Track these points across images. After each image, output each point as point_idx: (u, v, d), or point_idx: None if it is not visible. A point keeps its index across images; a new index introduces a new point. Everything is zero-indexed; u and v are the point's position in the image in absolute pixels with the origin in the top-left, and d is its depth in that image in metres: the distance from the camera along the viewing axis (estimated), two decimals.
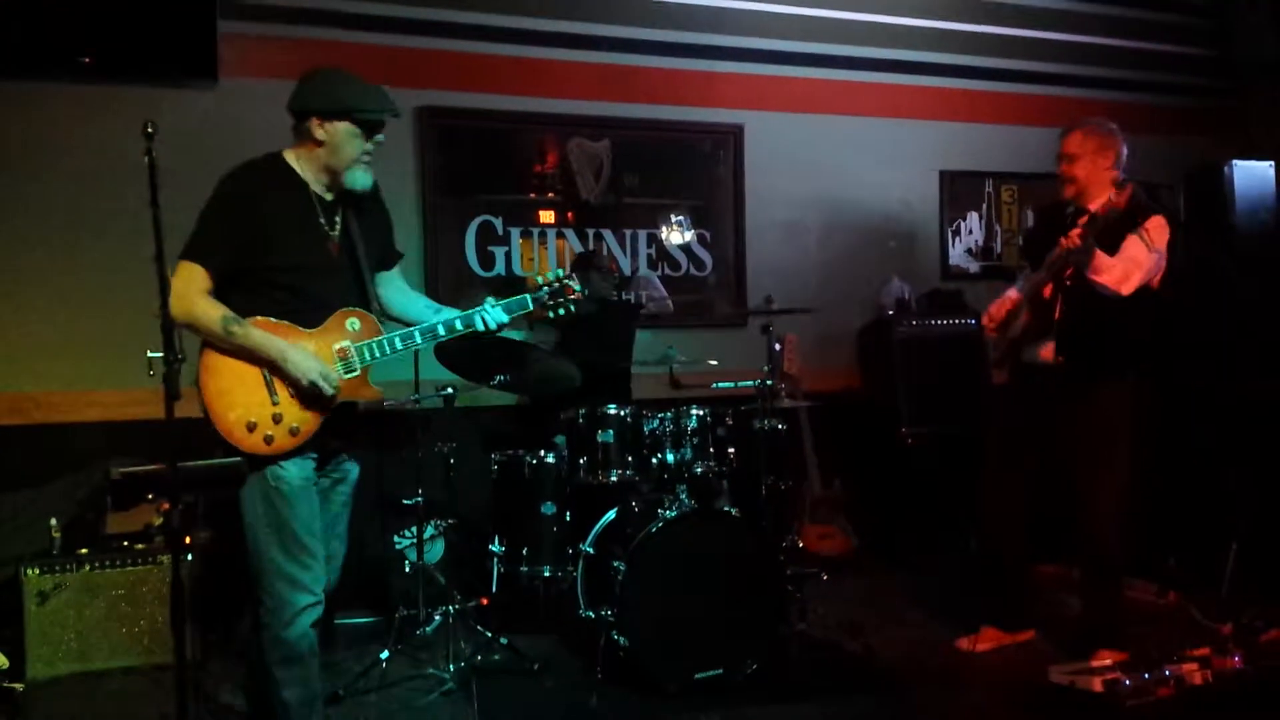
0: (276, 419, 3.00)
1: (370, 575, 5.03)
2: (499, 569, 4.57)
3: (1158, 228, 4.04)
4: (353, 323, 3.13)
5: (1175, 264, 4.25)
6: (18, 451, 4.83)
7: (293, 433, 3.02)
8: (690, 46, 6.02)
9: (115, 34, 4.81)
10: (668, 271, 6.05)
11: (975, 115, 6.67)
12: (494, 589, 4.59)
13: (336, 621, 4.74)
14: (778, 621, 4.23)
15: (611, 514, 4.42)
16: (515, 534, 4.53)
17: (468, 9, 5.59)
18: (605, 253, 5.84)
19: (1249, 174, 5.42)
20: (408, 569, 4.70)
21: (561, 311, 3.33)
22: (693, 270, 6.11)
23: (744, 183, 6.16)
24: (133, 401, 4.69)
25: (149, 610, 4.37)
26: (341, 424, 3.14)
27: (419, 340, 3.20)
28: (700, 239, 6.13)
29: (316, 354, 3.04)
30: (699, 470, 4.44)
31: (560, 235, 5.83)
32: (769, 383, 4.79)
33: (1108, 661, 3.93)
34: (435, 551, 4.90)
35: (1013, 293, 4.42)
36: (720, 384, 5.24)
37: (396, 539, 4.97)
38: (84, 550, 4.39)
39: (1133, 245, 4.00)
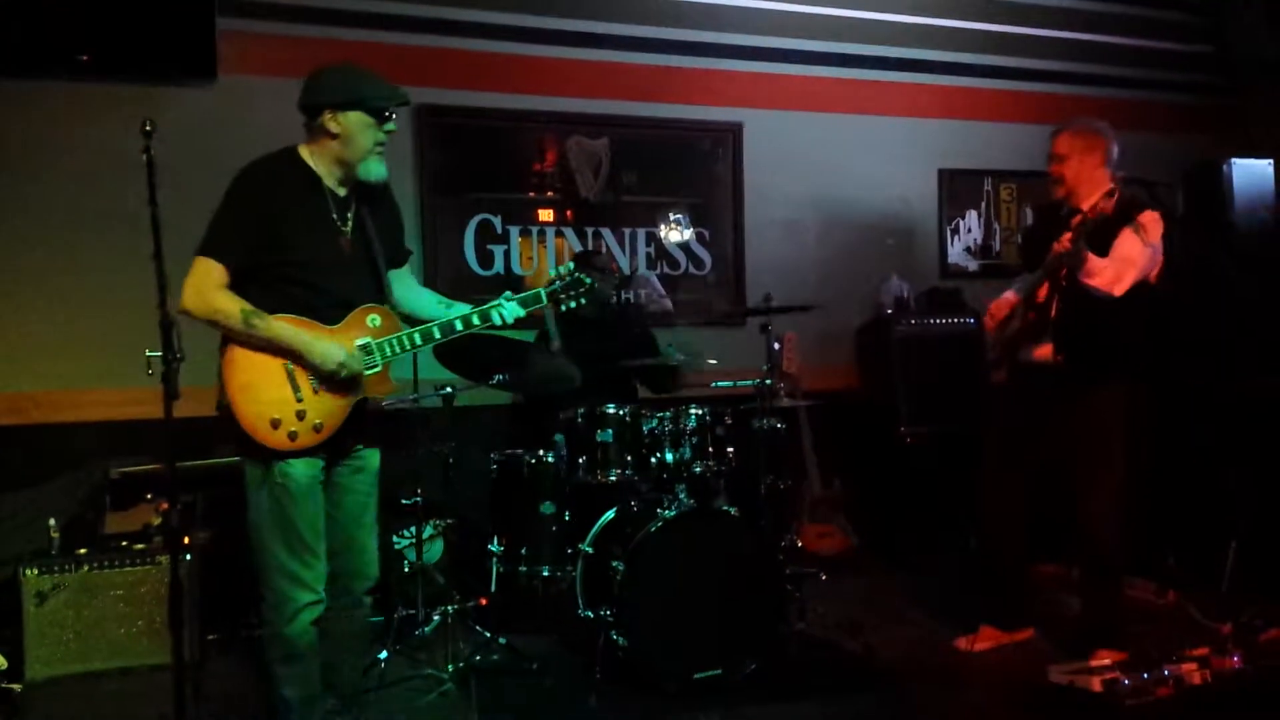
0: (300, 415, 3.02)
1: None
2: (498, 569, 4.56)
3: (1152, 222, 4.03)
4: (373, 319, 3.16)
5: (1173, 260, 4.25)
6: (16, 451, 4.84)
7: (316, 429, 3.05)
8: (689, 44, 6.02)
9: (113, 32, 4.80)
10: (666, 270, 6.05)
11: (974, 113, 6.67)
12: (493, 589, 4.58)
13: None
14: (777, 621, 4.22)
15: (610, 513, 4.41)
16: (514, 534, 4.53)
17: (466, 6, 5.58)
18: (604, 251, 5.84)
19: (1248, 172, 5.42)
20: (406, 569, 4.70)
21: (574, 305, 3.37)
22: (692, 269, 6.11)
23: (743, 181, 6.16)
24: (132, 401, 4.67)
25: (148, 610, 4.35)
26: (355, 420, 3.16)
27: (438, 335, 3.22)
28: (699, 237, 6.12)
29: (340, 346, 3.06)
30: (698, 470, 4.43)
31: (559, 234, 5.83)
32: (768, 382, 4.78)
33: (1107, 661, 3.93)
34: (434, 551, 4.89)
35: (1011, 294, 4.42)
36: (719, 383, 5.24)
37: (395, 539, 4.96)
38: (83, 550, 4.37)
39: (1127, 242, 4.00)
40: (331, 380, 3.04)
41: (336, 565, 3.25)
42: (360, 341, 3.11)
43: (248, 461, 3.08)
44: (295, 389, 3.02)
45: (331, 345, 3.03)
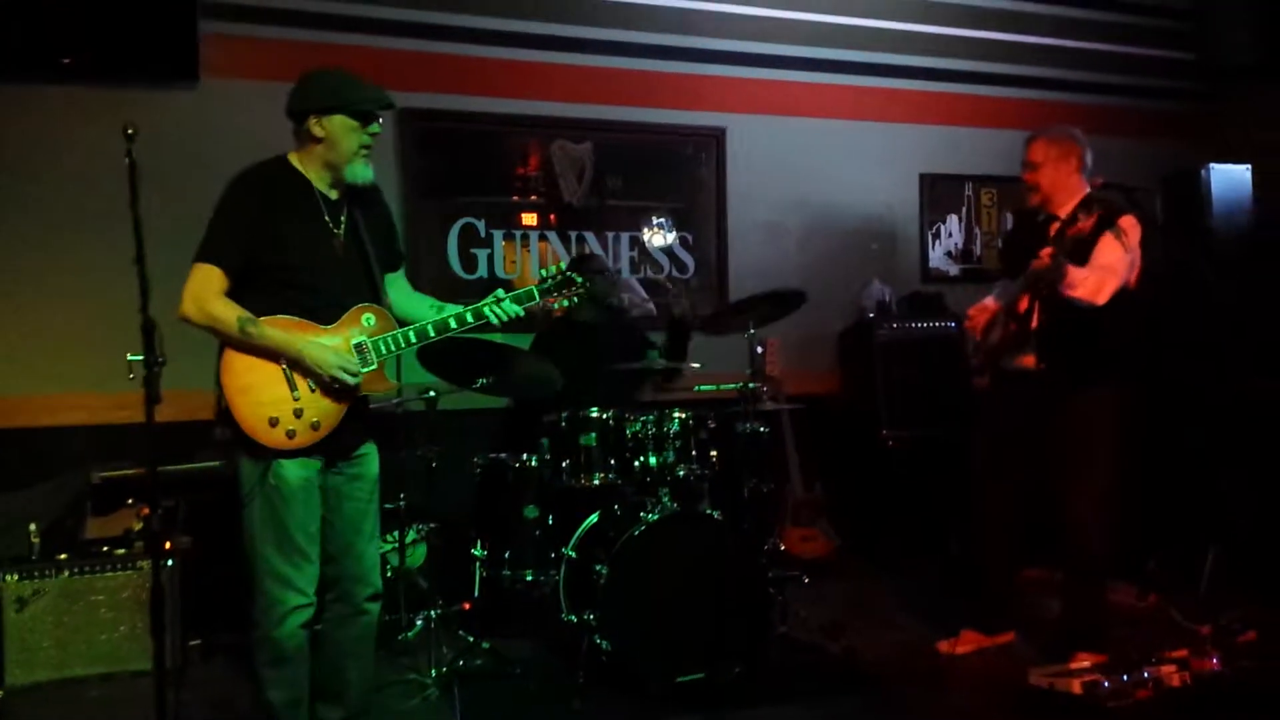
0: (298, 414, 3.05)
1: None
2: (481, 573, 4.55)
3: (1131, 226, 4.04)
4: (368, 318, 3.19)
5: (1152, 265, 4.28)
6: None
7: (314, 427, 3.07)
8: (672, 49, 6.03)
9: (95, 35, 4.78)
10: (650, 274, 6.05)
11: (955, 119, 6.70)
12: (476, 593, 4.57)
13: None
14: (760, 624, 4.23)
15: (594, 517, 4.41)
16: (498, 538, 4.53)
17: (450, 11, 5.58)
18: (588, 251, 5.84)
19: (1226, 177, 5.47)
20: (389, 573, 4.68)
21: (566, 304, 3.41)
22: (675, 273, 6.11)
23: (726, 185, 6.18)
24: (113, 405, 4.66)
25: (129, 616, 4.33)
26: (354, 419, 3.19)
27: (432, 334, 3.25)
28: (682, 241, 6.13)
29: (336, 349, 3.08)
30: (681, 473, 4.43)
31: (543, 238, 5.83)
32: (751, 385, 4.79)
33: (1087, 664, 3.95)
34: (417, 556, 4.88)
35: (990, 300, 4.44)
36: (702, 387, 5.25)
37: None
38: (63, 555, 4.35)
39: (1108, 248, 4.01)
40: (329, 386, 3.06)
41: (336, 572, 3.26)
42: (355, 340, 3.14)
43: (245, 461, 3.09)
44: (293, 388, 3.05)
45: (326, 352, 3.05)
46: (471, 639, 4.40)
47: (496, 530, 4.54)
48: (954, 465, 4.66)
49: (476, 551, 4.56)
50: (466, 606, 4.69)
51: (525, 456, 4.55)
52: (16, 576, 4.24)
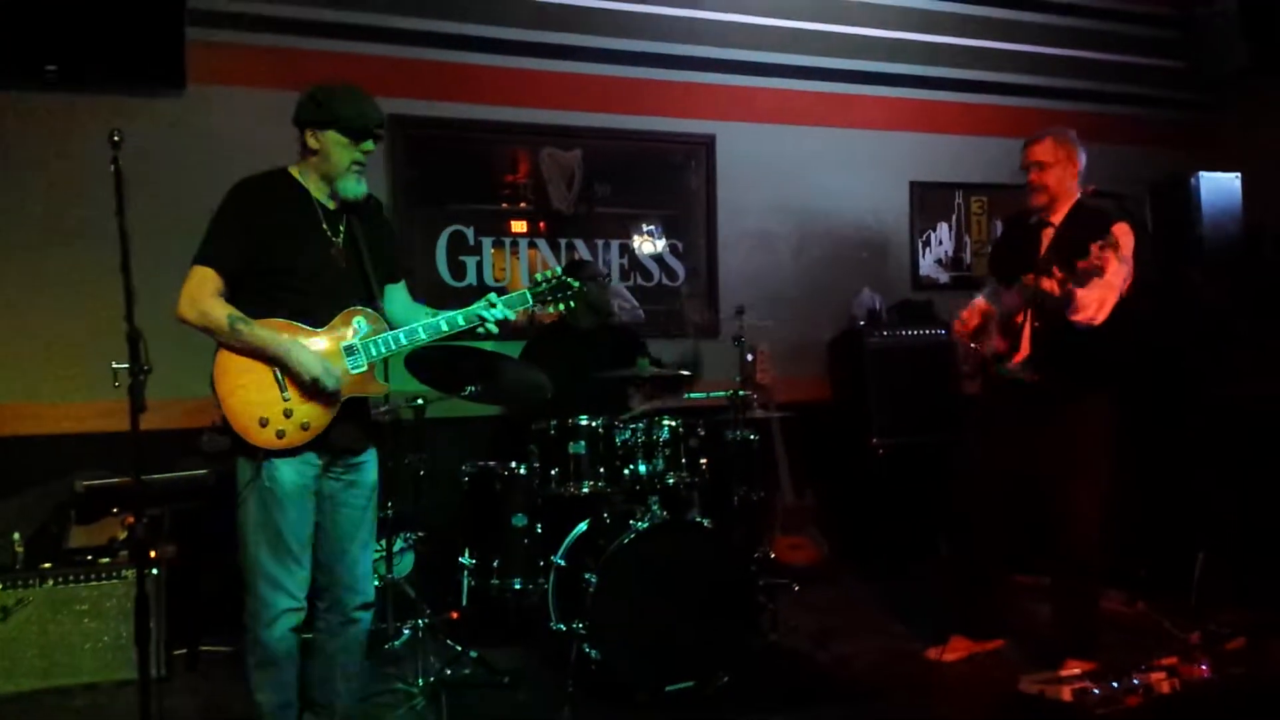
0: (288, 414, 3.07)
1: None
2: (469, 582, 4.54)
3: (1124, 234, 4.03)
4: (359, 321, 3.22)
5: (1143, 273, 4.27)
6: None
7: (304, 428, 3.09)
8: (662, 57, 6.04)
9: (81, 42, 4.75)
10: (640, 281, 6.05)
11: (945, 127, 6.72)
12: (464, 602, 4.56)
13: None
14: (749, 633, 4.22)
15: (583, 525, 4.39)
16: (486, 546, 4.51)
17: (439, 18, 5.57)
18: (577, 257, 5.83)
19: (1215, 185, 5.48)
20: (377, 582, 4.66)
21: (561, 307, 3.45)
22: (665, 280, 6.11)
23: (716, 193, 6.18)
24: (98, 413, 4.63)
25: (113, 625, 4.30)
26: (352, 421, 3.21)
27: (423, 335, 3.28)
28: (672, 249, 6.13)
29: (325, 352, 3.12)
30: (671, 481, 4.43)
31: (532, 245, 5.82)
32: (741, 393, 4.79)
33: (1077, 671, 3.94)
34: (405, 564, 4.86)
35: (981, 301, 4.43)
36: (692, 394, 5.24)
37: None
38: (47, 565, 4.32)
39: (1104, 263, 3.99)
40: (312, 389, 3.07)
41: (328, 579, 3.27)
42: (346, 343, 3.17)
43: (240, 460, 3.12)
44: (283, 389, 3.07)
45: (310, 356, 3.06)
46: (459, 648, 4.38)
47: (485, 539, 4.52)
48: (944, 472, 4.65)
49: (465, 560, 4.55)
50: (454, 615, 4.67)
51: (514, 464, 4.53)
52: (0, 586, 4.20)
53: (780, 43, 6.30)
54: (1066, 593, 4.32)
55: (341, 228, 3.25)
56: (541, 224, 5.85)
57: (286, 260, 3.11)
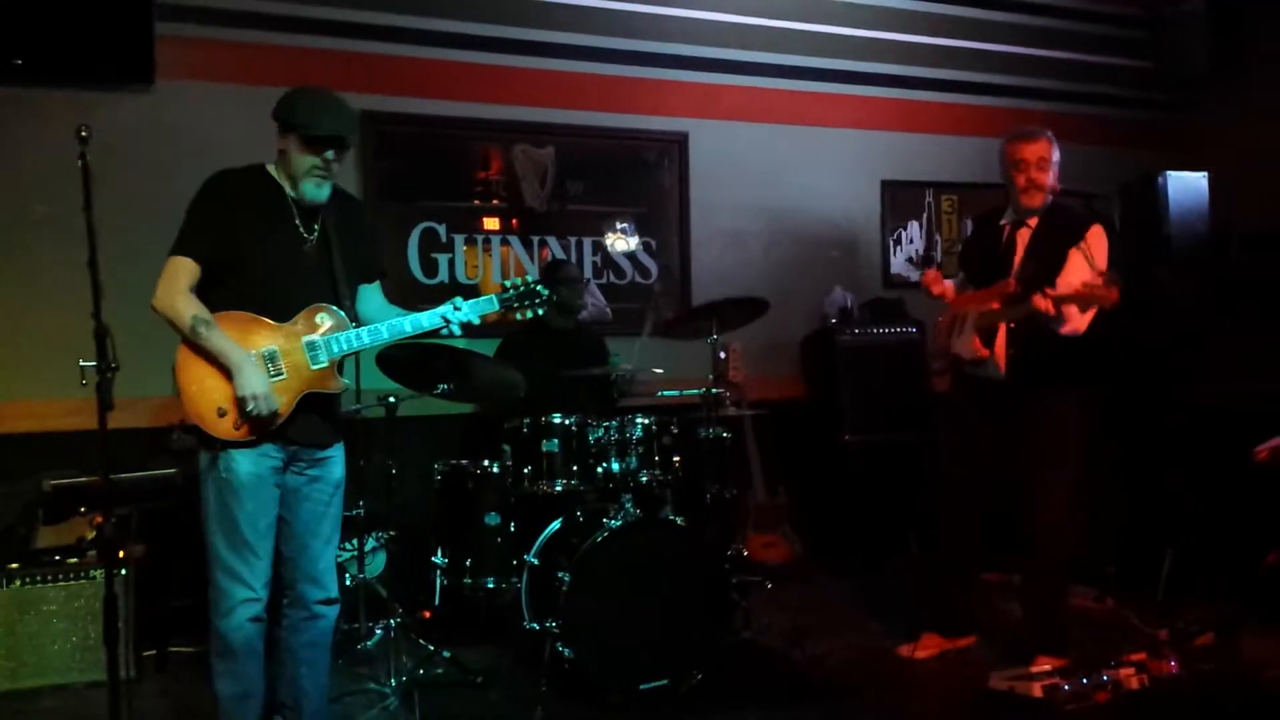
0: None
1: None
2: (442, 581, 4.52)
3: (1098, 238, 4.06)
4: (322, 317, 3.22)
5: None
6: None
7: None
8: (635, 54, 6.03)
9: (49, 37, 4.70)
10: (612, 279, 6.04)
11: (916, 125, 6.74)
12: (437, 601, 4.54)
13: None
14: (723, 631, 4.23)
15: (556, 524, 4.39)
16: (458, 545, 4.49)
17: (410, 13, 5.54)
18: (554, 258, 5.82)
19: (1183, 184, 5.52)
20: (348, 582, 4.63)
21: (529, 314, 3.46)
22: (638, 278, 6.11)
23: (689, 191, 6.18)
24: (65, 412, 4.56)
25: (82, 626, 4.26)
26: (315, 415, 3.21)
27: (385, 335, 3.28)
28: (645, 246, 6.13)
29: (284, 347, 3.12)
30: (644, 479, 4.43)
31: (505, 242, 5.80)
32: (714, 391, 4.79)
33: (1047, 667, 3.97)
34: (376, 564, 4.83)
35: (949, 285, 4.43)
36: (665, 392, 5.24)
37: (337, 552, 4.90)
38: (14, 565, 4.27)
39: (1080, 270, 3.98)
40: (242, 407, 3.03)
41: (291, 574, 3.28)
42: (308, 338, 3.16)
43: (201, 451, 3.14)
44: None
45: (254, 379, 3.05)
46: (432, 648, 4.36)
47: (457, 537, 4.50)
48: (916, 469, 4.67)
49: (437, 559, 4.53)
50: (427, 615, 4.65)
51: (486, 463, 4.51)
52: None
53: (753, 41, 6.30)
54: (1036, 590, 4.34)
55: (316, 225, 3.24)
56: (514, 221, 5.83)
57: (254, 252, 3.13)
